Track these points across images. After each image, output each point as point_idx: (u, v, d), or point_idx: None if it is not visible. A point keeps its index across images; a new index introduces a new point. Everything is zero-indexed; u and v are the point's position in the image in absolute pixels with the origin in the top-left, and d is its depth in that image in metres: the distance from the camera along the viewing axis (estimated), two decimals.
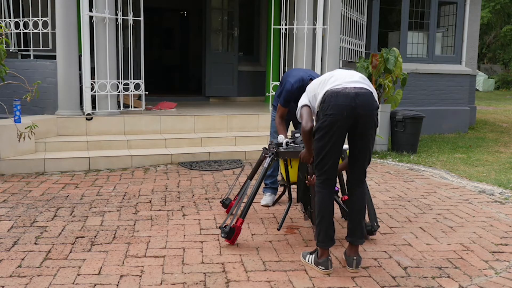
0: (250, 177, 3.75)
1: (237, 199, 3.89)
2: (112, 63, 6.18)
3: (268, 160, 3.42)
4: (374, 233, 3.44)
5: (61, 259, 3.01)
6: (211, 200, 4.37)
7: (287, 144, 3.45)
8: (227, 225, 3.30)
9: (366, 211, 3.59)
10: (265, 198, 4.20)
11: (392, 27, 9.80)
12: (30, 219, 3.72)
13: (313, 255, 2.98)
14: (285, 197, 4.33)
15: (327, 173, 2.91)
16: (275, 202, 4.03)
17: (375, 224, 3.44)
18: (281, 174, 3.66)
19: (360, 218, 2.99)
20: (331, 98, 2.80)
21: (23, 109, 5.56)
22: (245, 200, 3.65)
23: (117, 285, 2.69)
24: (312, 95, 3.05)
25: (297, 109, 3.12)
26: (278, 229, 3.42)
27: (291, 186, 3.75)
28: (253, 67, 9.83)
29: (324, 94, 2.85)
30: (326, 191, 2.93)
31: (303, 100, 3.11)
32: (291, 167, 3.39)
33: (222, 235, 3.26)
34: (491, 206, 4.40)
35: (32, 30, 6.43)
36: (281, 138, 3.51)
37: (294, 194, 4.07)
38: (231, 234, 3.25)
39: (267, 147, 3.54)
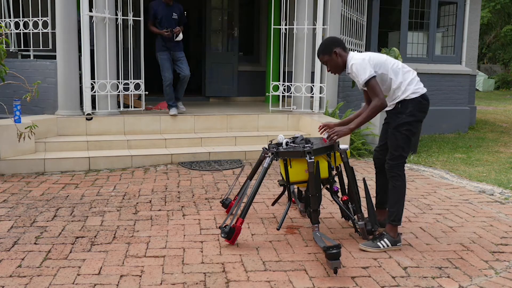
0: (250, 177, 3.75)
1: (237, 199, 3.88)
2: (112, 63, 6.18)
3: (268, 160, 3.43)
4: (375, 234, 3.44)
5: (61, 259, 3.01)
6: (211, 200, 4.37)
7: (287, 144, 3.46)
8: (227, 225, 3.31)
9: (366, 211, 3.59)
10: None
11: (392, 27, 9.80)
12: (30, 219, 3.72)
13: (385, 239, 3.25)
14: (284, 197, 4.33)
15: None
16: (274, 202, 4.02)
17: (376, 224, 3.44)
18: (281, 175, 3.66)
19: None
20: (426, 100, 3.31)
21: (23, 109, 5.56)
22: (245, 200, 3.65)
23: (117, 285, 2.69)
24: (379, 72, 3.28)
25: (362, 81, 3.20)
26: (278, 229, 3.42)
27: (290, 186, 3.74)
28: (253, 67, 9.84)
29: (421, 95, 3.27)
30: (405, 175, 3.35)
31: (369, 71, 3.20)
32: (290, 167, 3.39)
33: (222, 235, 3.26)
34: (491, 206, 4.40)
35: (32, 30, 6.43)
36: (281, 138, 3.51)
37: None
38: (231, 234, 3.25)
39: (267, 147, 3.54)
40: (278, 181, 3.88)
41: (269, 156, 3.43)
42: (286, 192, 4.24)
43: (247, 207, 3.37)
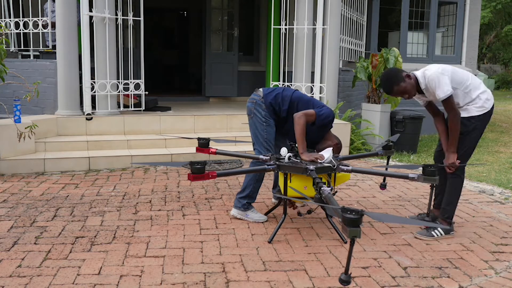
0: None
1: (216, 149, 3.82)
2: (112, 63, 6.18)
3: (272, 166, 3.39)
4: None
5: (61, 259, 3.01)
6: (211, 200, 4.37)
7: (289, 158, 3.43)
8: (200, 163, 2.98)
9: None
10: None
11: (392, 27, 9.81)
12: (30, 219, 3.72)
13: (438, 229, 3.52)
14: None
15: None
16: (268, 213, 3.98)
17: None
18: (279, 187, 3.64)
19: None
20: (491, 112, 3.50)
21: (23, 109, 5.56)
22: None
23: (117, 285, 2.69)
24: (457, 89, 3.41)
25: (442, 96, 3.33)
26: (269, 242, 3.37)
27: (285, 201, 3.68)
28: (253, 67, 9.83)
29: (491, 108, 3.46)
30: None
31: (450, 88, 3.34)
32: (290, 182, 3.37)
33: (189, 166, 2.96)
34: (491, 206, 4.40)
35: (32, 30, 6.43)
36: (284, 151, 3.49)
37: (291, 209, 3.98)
38: (199, 172, 2.93)
39: (268, 157, 3.54)
40: (274, 193, 3.87)
41: (270, 167, 3.40)
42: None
43: (231, 172, 3.35)
